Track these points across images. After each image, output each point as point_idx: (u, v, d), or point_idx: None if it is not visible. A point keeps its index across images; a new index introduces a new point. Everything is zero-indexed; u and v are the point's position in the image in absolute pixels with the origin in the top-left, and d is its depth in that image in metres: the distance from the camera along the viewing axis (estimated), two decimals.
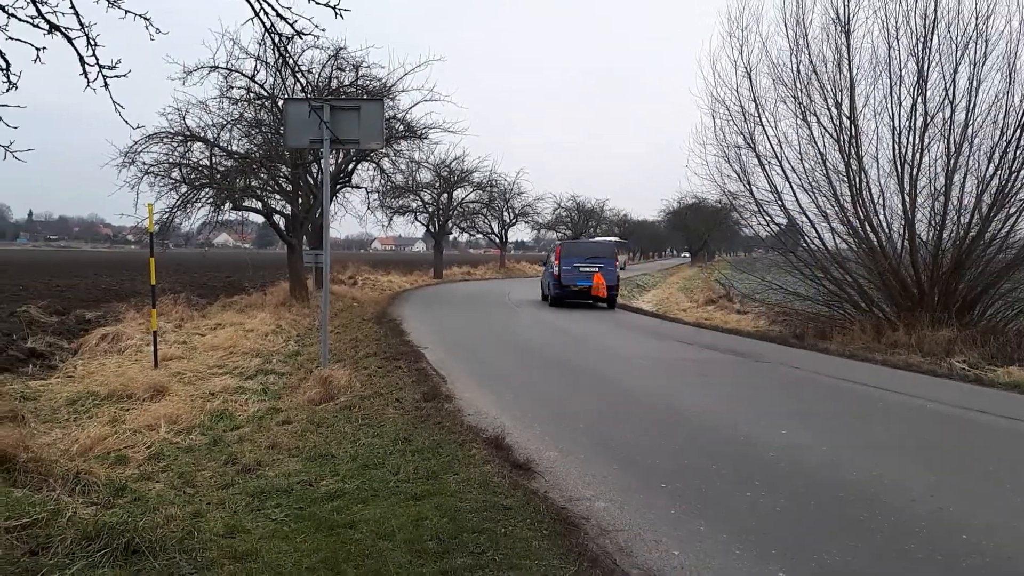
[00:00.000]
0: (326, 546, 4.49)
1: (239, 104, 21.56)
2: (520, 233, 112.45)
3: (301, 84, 6.86)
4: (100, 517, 4.71)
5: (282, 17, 4.66)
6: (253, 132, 22.04)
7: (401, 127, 24.17)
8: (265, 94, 21.51)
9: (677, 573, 4.24)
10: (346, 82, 22.17)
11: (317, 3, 4.73)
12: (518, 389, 9.89)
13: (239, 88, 21.19)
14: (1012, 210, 16.15)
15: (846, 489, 5.63)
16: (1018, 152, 15.54)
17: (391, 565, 4.19)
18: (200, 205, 20.61)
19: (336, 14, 4.76)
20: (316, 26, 5.09)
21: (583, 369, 11.76)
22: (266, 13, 4.84)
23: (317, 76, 22.31)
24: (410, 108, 26.20)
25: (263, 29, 4.89)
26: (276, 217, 23.03)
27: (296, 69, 5.78)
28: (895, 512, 5.13)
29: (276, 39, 5.00)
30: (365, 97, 19.48)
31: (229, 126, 21.12)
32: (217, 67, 20.15)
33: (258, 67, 20.52)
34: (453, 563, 4.22)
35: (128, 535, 4.46)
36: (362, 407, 8.42)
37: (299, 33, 4.77)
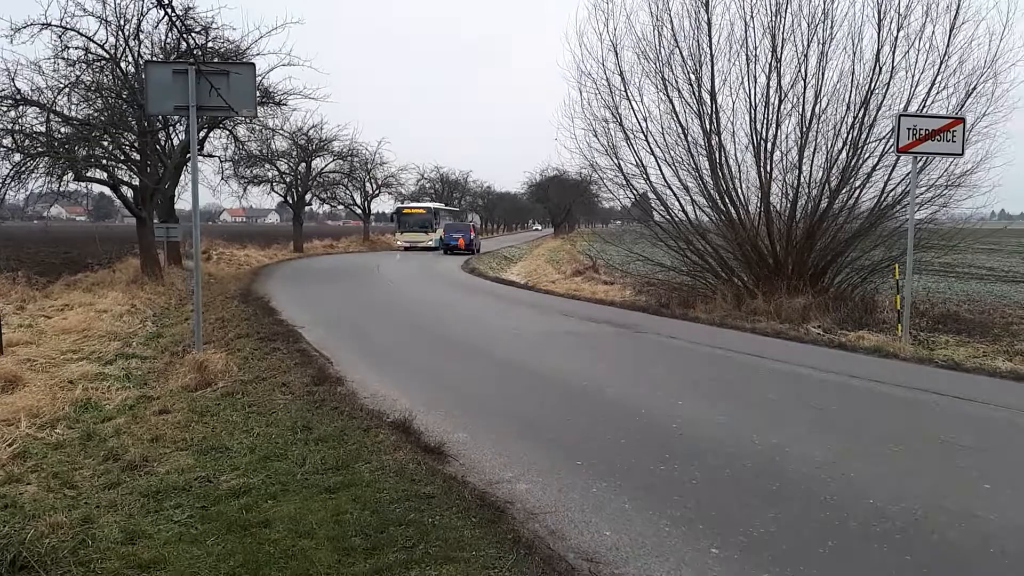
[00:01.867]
0: (242, 549, 4.16)
1: (76, 66, 19.82)
2: (383, 204, 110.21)
3: (189, 44, 6.22)
4: None
5: None
6: (93, 96, 20.34)
7: (258, 93, 22.99)
8: (106, 56, 19.86)
9: (614, 554, 4.20)
10: (195, 44, 20.79)
11: None
12: (411, 369, 9.67)
13: (76, 48, 19.46)
14: (857, 183, 17.30)
15: (753, 459, 5.81)
16: (862, 130, 16.62)
17: (319, 566, 3.93)
18: (37, 176, 18.91)
19: None
20: None
21: (472, 344, 11.65)
22: None
23: (164, 38, 20.87)
24: (267, 72, 25.06)
25: None
26: (124, 189, 21.46)
27: (184, 30, 5.26)
28: (804, 481, 5.32)
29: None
30: (226, 60, 18.37)
31: (67, 90, 19.38)
32: (50, 24, 18.40)
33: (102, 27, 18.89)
34: (385, 560, 4.00)
35: (13, 549, 3.98)
36: (246, 393, 7.97)
37: None
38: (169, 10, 4.69)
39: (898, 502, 4.88)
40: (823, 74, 16.57)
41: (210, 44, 20.70)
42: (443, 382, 8.84)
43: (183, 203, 27.66)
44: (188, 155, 23.19)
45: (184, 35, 5.28)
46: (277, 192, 41.03)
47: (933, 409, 7.68)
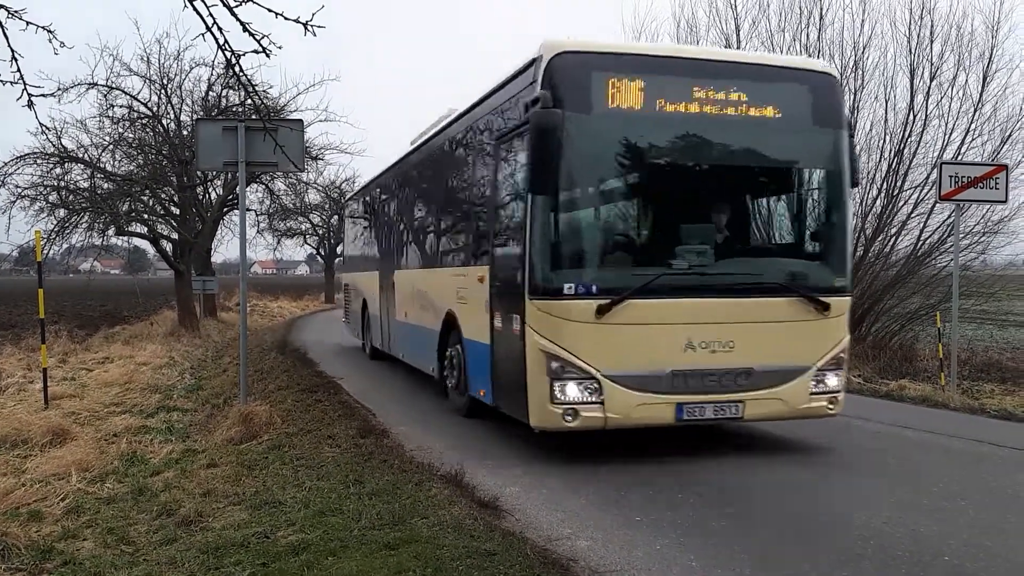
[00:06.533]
0: None
1: (120, 124, 20.44)
2: None
3: (254, 104, 6.49)
4: None
5: (250, 33, 4.29)
6: (135, 153, 20.92)
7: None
8: (149, 113, 20.47)
9: None
10: (236, 101, 21.36)
11: (286, 19, 4.37)
12: (452, 420, 9.58)
13: (120, 107, 20.08)
14: (892, 231, 17.20)
15: (820, 512, 5.68)
16: (896, 178, 16.59)
17: None
18: (79, 230, 19.40)
19: (306, 31, 4.43)
20: (272, 42, 4.73)
21: None
22: (219, 29, 4.46)
23: (204, 96, 21.44)
24: (305, 128, 25.59)
25: (216, 46, 4.52)
26: (163, 242, 21.92)
27: (252, 90, 5.38)
28: (873, 536, 5.18)
29: (229, 56, 4.61)
30: (274, 118, 18.88)
31: (111, 147, 19.99)
32: (96, 84, 19.02)
33: (145, 85, 19.56)
34: None
35: None
36: (292, 446, 7.93)
37: (265, 51, 4.41)
38: (238, 69, 4.76)
39: (976, 560, 4.72)
40: (856, 123, 16.63)
41: (248, 102, 21.25)
42: (486, 434, 8.76)
43: (218, 256, 28.22)
44: (225, 209, 23.82)
45: (251, 95, 5.41)
46: (310, 244, 41.65)
47: (995, 461, 7.48)
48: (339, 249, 19.22)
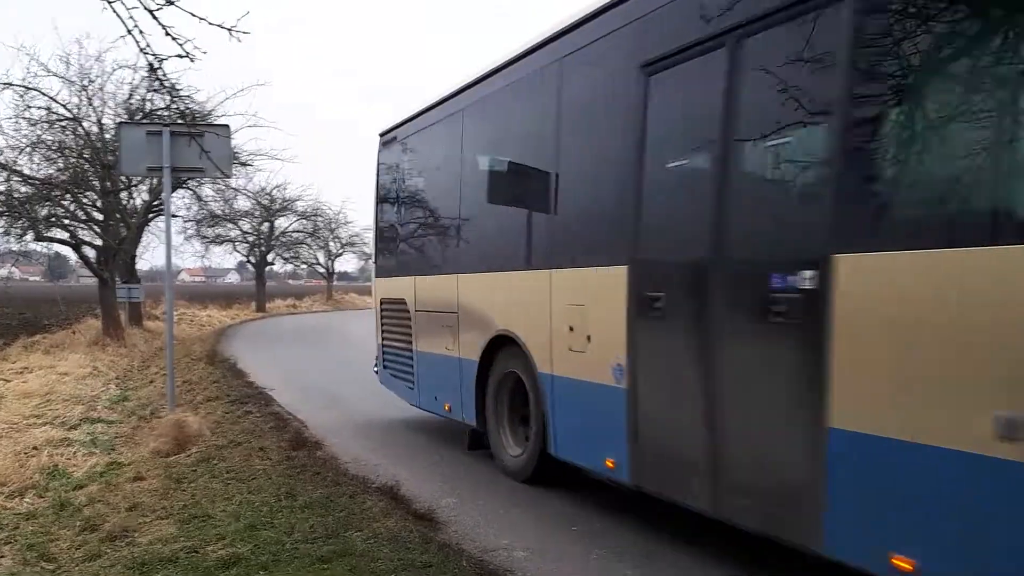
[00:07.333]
0: None
1: (38, 125, 19.69)
2: (347, 264, 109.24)
3: (179, 108, 6.39)
4: None
5: (172, 37, 4.22)
6: (55, 156, 20.19)
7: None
8: (69, 115, 19.78)
9: None
10: (161, 105, 20.78)
11: (211, 24, 4.31)
12: (389, 432, 9.51)
13: (39, 108, 19.34)
14: None
15: None
16: None
17: None
18: None
19: (231, 36, 4.38)
20: (196, 47, 4.64)
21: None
22: (141, 32, 4.38)
23: (128, 98, 20.83)
24: (233, 133, 25.09)
25: (137, 49, 4.44)
26: (86, 249, 21.17)
27: (175, 93, 5.28)
28: None
29: (151, 59, 4.52)
30: (200, 123, 18.46)
31: (28, 149, 19.23)
32: (12, 84, 18.32)
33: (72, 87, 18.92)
34: None
35: None
36: (222, 458, 7.77)
37: (188, 55, 4.34)
38: (161, 73, 4.68)
39: None
40: None
41: (175, 104, 20.66)
42: (422, 445, 8.72)
43: (143, 263, 27.41)
44: (151, 215, 23.12)
45: (175, 99, 5.32)
46: (239, 252, 40.84)
47: None
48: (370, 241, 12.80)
